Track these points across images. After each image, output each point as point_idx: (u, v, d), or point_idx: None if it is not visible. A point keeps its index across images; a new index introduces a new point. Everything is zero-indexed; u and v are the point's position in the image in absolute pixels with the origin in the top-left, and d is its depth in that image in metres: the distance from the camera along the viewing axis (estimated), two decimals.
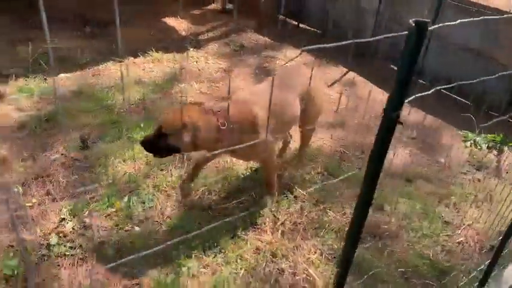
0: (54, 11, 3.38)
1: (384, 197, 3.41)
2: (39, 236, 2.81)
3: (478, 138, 4.31)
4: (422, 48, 1.11)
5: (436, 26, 1.16)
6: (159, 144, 2.58)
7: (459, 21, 1.34)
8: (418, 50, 1.08)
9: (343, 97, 5.20)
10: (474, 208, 3.43)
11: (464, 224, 3.25)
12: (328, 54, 5.99)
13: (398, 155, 4.11)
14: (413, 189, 3.60)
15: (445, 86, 1.64)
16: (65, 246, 2.76)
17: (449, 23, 1.26)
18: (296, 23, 7.24)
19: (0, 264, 2.52)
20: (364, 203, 1.52)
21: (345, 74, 5.67)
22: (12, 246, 2.71)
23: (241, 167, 3.62)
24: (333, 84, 5.45)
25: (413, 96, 1.39)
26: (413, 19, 1.02)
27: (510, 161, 4.07)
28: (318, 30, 6.94)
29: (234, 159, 3.55)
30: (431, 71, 5.38)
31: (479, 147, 4.25)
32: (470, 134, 4.40)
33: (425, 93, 1.47)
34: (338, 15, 6.52)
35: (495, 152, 4.20)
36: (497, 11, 4.74)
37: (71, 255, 2.71)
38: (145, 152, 2.74)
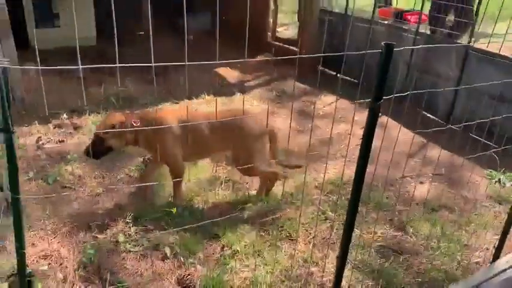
0: (122, 59, 4.08)
1: (407, 221, 3.77)
2: (110, 235, 3.38)
3: (502, 177, 4.60)
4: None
5: (401, 48, 1.66)
6: (98, 148, 3.48)
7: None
8: (388, 62, 1.58)
9: (378, 137, 5.63)
10: (493, 235, 3.71)
11: (482, 248, 3.54)
12: (363, 99, 6.51)
13: (424, 188, 4.46)
14: (436, 216, 3.93)
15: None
16: (129, 244, 3.31)
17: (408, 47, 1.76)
18: (334, 73, 7.86)
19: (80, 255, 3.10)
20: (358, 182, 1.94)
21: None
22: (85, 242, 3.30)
23: (279, 192, 4.11)
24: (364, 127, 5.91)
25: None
26: (384, 42, 1.53)
27: None
28: (354, 80, 7.51)
29: None
30: (462, 116, 5.76)
31: (503, 185, 4.53)
32: (494, 173, 4.69)
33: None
34: (373, 66, 7.08)
35: None
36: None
37: (135, 251, 3.25)
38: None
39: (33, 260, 3.07)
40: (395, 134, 5.61)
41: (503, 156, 4.67)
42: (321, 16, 7.78)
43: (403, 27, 6.87)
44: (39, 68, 1.55)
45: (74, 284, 2.90)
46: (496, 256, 3.00)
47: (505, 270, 2.35)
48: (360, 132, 5.66)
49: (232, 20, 7.52)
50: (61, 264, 3.06)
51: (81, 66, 1.62)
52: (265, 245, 3.39)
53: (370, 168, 4.83)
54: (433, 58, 6.11)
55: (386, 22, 7.17)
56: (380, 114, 6.13)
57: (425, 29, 6.85)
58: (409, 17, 10.28)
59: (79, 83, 6.54)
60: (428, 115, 6.28)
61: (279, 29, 10.38)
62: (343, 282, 2.94)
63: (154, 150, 3.62)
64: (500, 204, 4.24)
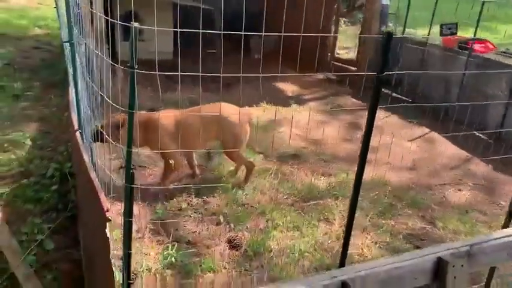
0: (192, 71, 4.80)
1: (438, 217, 4.12)
2: (176, 203, 4.06)
3: None
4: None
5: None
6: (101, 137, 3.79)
7: None
8: (388, 47, 2.06)
9: (419, 150, 5.96)
10: None
11: None
12: (415, 117, 6.82)
13: (462, 195, 4.76)
14: (467, 217, 4.23)
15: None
16: (190, 211, 3.97)
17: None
18: (389, 91, 8.24)
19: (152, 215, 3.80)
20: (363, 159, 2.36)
21: (425, 134, 6.46)
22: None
23: (323, 185, 4.61)
24: (414, 139, 6.26)
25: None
26: (384, 29, 2.04)
27: None
28: (407, 98, 7.85)
29: None
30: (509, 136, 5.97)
31: None
32: None
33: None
34: (427, 86, 7.41)
35: None
36: None
37: (194, 216, 3.89)
38: None
39: (115, 215, 3.80)
40: (442, 149, 5.96)
41: None
42: (379, 39, 8.24)
43: (457, 50, 7.15)
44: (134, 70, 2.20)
45: (144, 234, 3.58)
46: None
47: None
48: (406, 144, 6.05)
49: (296, 41, 8.24)
50: (137, 219, 3.76)
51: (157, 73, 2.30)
52: (305, 223, 3.90)
53: (412, 174, 5.23)
54: (485, 80, 6.35)
55: (438, 44, 7.47)
56: (429, 130, 6.50)
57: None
58: (474, 45, 10.44)
59: (154, 90, 7.50)
60: (479, 134, 6.49)
61: (340, 52, 10.95)
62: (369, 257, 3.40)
63: (155, 145, 4.17)
64: None
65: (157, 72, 2.45)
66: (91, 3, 6.25)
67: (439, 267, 2.07)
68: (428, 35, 7.56)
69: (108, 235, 1.95)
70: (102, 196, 2.15)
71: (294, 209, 4.13)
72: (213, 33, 9.90)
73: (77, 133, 3.01)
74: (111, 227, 3.54)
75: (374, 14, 8.13)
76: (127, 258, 2.15)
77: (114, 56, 9.43)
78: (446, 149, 6.00)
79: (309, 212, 4.10)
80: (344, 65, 9.46)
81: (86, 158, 2.58)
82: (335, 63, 9.74)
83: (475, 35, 7.55)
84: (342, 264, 2.42)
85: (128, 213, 2.11)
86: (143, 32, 10.37)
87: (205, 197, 4.19)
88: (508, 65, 6.15)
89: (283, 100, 7.62)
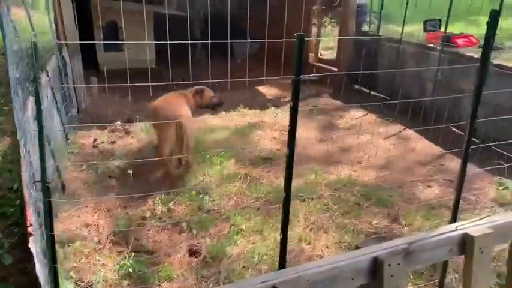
0: (174, 79, 4.88)
1: (403, 214, 4.11)
2: (140, 212, 4.07)
3: (509, 185, 4.77)
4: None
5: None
6: None
7: None
8: (301, 51, 2.07)
9: (393, 148, 5.95)
10: None
11: None
12: (392, 115, 6.81)
13: (431, 191, 4.75)
14: (432, 213, 4.23)
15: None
16: (154, 219, 3.97)
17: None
18: (368, 90, 8.25)
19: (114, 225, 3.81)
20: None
21: (400, 131, 6.46)
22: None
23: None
24: (388, 137, 6.26)
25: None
26: (297, 33, 2.05)
27: None
28: (386, 96, 7.85)
29: None
30: (483, 132, 5.96)
31: (511, 191, 4.70)
32: (505, 180, 4.87)
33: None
34: (403, 84, 7.41)
35: None
36: None
37: (157, 225, 3.90)
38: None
39: (77, 227, 3.82)
40: (416, 146, 5.94)
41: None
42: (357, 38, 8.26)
43: (431, 46, 7.15)
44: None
45: (104, 246, 3.58)
46: None
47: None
48: (381, 142, 6.05)
49: (278, 44, 8.31)
50: (98, 231, 3.77)
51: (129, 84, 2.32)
52: (268, 227, 3.90)
53: (384, 173, 5.22)
54: (458, 75, 6.34)
55: (413, 42, 7.48)
56: (404, 127, 6.49)
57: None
58: (457, 40, 10.46)
59: (134, 98, 7.51)
60: (454, 129, 6.49)
61: (325, 52, 10.97)
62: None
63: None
64: (502, 206, 4.43)
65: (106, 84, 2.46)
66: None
67: (376, 266, 2.07)
68: (402, 33, 7.55)
69: (31, 249, 1.95)
70: (28, 211, 2.16)
71: (259, 213, 4.13)
72: (194, 39, 9.95)
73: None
74: (68, 240, 3.57)
75: (349, 14, 8.15)
76: (52, 271, 2.15)
77: (95, 67, 9.49)
78: (421, 146, 6.00)
79: (274, 215, 4.10)
80: (326, 66, 9.47)
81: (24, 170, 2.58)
82: (317, 64, 9.76)
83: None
84: (281, 266, 2.41)
85: (49, 227, 2.10)
86: (124, 41, 10.41)
87: (170, 205, 4.19)
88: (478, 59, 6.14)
89: (262, 103, 7.64)
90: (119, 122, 6.45)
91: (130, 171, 4.56)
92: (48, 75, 4.98)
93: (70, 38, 6.51)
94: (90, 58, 9.07)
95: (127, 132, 6.20)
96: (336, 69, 8.94)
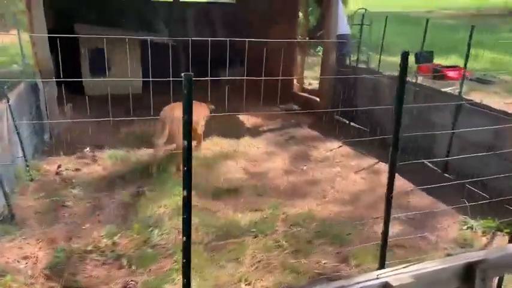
0: (158, 105, 4.88)
1: (355, 254, 3.97)
2: (83, 245, 3.96)
3: (475, 224, 4.62)
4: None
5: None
6: None
7: None
8: (191, 90, 1.99)
9: (363, 181, 5.83)
10: None
11: None
12: (368, 148, 6.70)
13: (392, 229, 4.60)
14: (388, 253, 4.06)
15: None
16: (96, 253, 3.86)
17: None
18: (348, 121, 8.18)
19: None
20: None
21: (373, 165, 6.34)
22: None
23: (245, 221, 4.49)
24: (359, 171, 6.15)
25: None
26: (183, 73, 1.98)
27: (499, 244, 4.30)
28: (365, 128, 7.77)
29: None
30: (456, 166, 5.86)
31: (474, 231, 4.54)
32: (469, 220, 4.72)
33: None
34: (380, 116, 7.34)
35: (489, 237, 4.46)
36: (506, 114, 5.22)
37: (98, 260, 3.78)
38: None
39: (15, 260, 3.71)
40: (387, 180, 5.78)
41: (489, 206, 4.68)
42: (338, 69, 8.24)
43: (409, 80, 7.07)
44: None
45: (38, 281, 3.46)
46: None
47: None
48: (351, 176, 5.93)
49: (263, 72, 8.51)
50: (35, 264, 3.66)
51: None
52: (212, 264, 3.77)
53: (349, 208, 5.09)
54: (432, 110, 6.26)
55: (390, 75, 7.43)
56: (378, 161, 6.37)
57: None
58: (448, 72, 10.47)
59: (113, 124, 7.46)
60: (430, 165, 6.37)
61: (313, 82, 10.98)
62: None
63: None
64: (462, 247, 4.27)
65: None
66: None
67: None
68: (379, 66, 7.53)
69: None
70: None
71: (204, 248, 4.00)
72: (179, 66, 10.01)
73: None
74: (1, 272, 3.45)
75: (330, 44, 8.16)
76: None
77: (81, 91, 9.51)
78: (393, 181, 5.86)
79: (221, 251, 3.97)
80: (309, 96, 9.46)
81: None
82: (301, 94, 9.76)
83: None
84: None
85: None
86: (111, 69, 10.51)
87: (116, 238, 4.08)
88: (451, 95, 6.10)
89: (238, 132, 7.56)
90: (88, 149, 6.40)
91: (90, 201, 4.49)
92: (8, 102, 4.95)
93: (43, 63, 6.53)
94: (76, 83, 9.11)
95: (94, 160, 6.13)
96: (318, 99, 8.92)
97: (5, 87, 5.04)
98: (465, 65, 5.89)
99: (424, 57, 10.21)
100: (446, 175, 6.00)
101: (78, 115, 7.59)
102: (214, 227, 4.36)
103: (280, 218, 4.64)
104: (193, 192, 5.05)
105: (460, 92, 5.95)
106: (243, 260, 3.84)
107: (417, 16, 22.73)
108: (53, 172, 5.62)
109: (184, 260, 2.27)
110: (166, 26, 11.37)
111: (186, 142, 2.07)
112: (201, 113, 6.32)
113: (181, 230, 4.27)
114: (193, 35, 12.96)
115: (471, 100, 5.81)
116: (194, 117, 4.95)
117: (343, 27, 8.39)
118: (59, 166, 5.76)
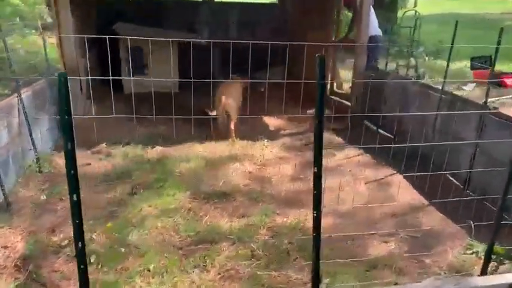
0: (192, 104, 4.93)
1: (332, 272, 3.70)
2: (60, 239, 4.04)
3: (480, 249, 4.14)
4: None
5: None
6: None
7: None
8: (67, 90, 1.90)
9: (370, 193, 5.46)
10: None
11: None
12: (387, 157, 6.28)
13: (386, 247, 4.27)
14: (366, 276, 3.76)
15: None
16: (69, 248, 3.91)
17: None
18: (375, 128, 7.75)
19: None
20: None
21: (388, 176, 5.93)
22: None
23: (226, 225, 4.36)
24: (371, 181, 5.77)
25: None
26: (59, 72, 1.88)
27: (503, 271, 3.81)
28: (390, 136, 7.31)
29: None
30: (479, 183, 5.33)
31: (478, 257, 4.07)
32: (476, 244, 4.25)
33: None
34: (407, 125, 6.86)
35: (494, 264, 3.97)
36: None
37: (68, 254, 3.82)
38: None
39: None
40: (398, 194, 5.41)
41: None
42: (368, 73, 7.85)
43: (435, 86, 6.54)
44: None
45: (7, 271, 3.57)
46: None
47: None
48: (359, 187, 5.58)
49: (299, 75, 8.44)
50: (9, 254, 3.78)
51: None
52: (178, 269, 3.68)
53: (347, 221, 4.79)
54: (457, 120, 5.74)
55: (419, 81, 6.92)
56: (395, 172, 5.93)
57: None
58: (506, 80, 9.56)
59: (138, 122, 7.61)
60: (452, 179, 5.86)
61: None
62: None
63: None
64: (457, 273, 3.84)
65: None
66: None
67: None
68: (408, 70, 7.06)
69: None
70: None
71: (179, 253, 3.93)
72: (214, 68, 10.06)
73: None
74: None
75: (359, 48, 7.78)
76: None
77: (120, 89, 9.84)
78: (404, 195, 5.45)
79: (193, 256, 3.87)
80: (341, 100, 9.11)
81: None
82: (333, 97, 9.42)
83: None
84: None
85: None
86: (148, 67, 10.79)
87: (94, 235, 4.13)
88: (476, 104, 5.54)
89: (257, 134, 7.40)
90: (104, 144, 6.59)
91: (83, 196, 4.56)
92: (19, 97, 5.20)
93: (68, 62, 6.81)
94: (115, 81, 9.44)
95: (108, 155, 6.29)
96: (349, 103, 8.57)
97: (19, 83, 5.30)
98: None
99: (482, 62, 9.47)
100: (469, 192, 5.46)
101: (106, 112, 7.85)
102: (194, 230, 4.27)
103: (266, 227, 4.45)
104: (187, 194, 5.10)
105: (485, 101, 5.36)
106: (211, 268, 3.71)
107: (492, 19, 21.27)
108: (63, 165, 5.81)
109: (82, 266, 2.18)
110: (206, 26, 11.45)
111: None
112: (231, 92, 7.37)
113: (161, 230, 4.28)
114: (235, 35, 13.08)
115: (497, 111, 5.21)
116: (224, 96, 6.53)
117: (373, 29, 7.99)
118: None
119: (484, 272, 3.39)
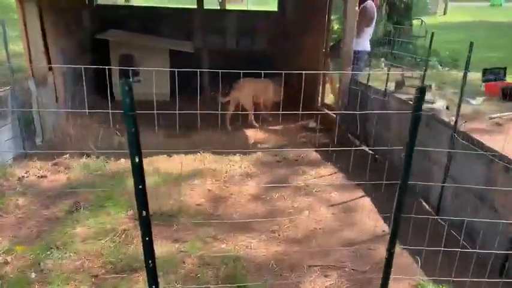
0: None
1: None
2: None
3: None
4: None
5: None
6: None
7: None
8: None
9: (331, 218, 5.05)
10: None
11: None
12: (364, 176, 5.83)
13: (322, 283, 3.88)
14: None
15: None
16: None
17: None
18: (358, 143, 7.31)
19: None
20: None
21: (356, 199, 5.51)
22: None
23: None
24: (333, 205, 5.36)
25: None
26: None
27: None
28: (372, 153, 6.85)
29: None
30: (447, 211, 4.87)
31: None
32: (428, 284, 3.79)
33: None
34: (389, 141, 6.40)
35: None
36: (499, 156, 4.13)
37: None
38: None
39: None
40: (361, 220, 4.97)
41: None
42: (352, 87, 7.44)
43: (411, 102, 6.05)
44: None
45: None
46: None
47: None
48: (321, 210, 5.16)
49: (289, 87, 8.79)
50: None
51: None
52: None
53: (292, 249, 4.42)
54: (429, 140, 5.26)
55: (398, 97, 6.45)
56: (363, 195, 5.57)
57: None
58: None
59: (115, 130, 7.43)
60: (424, 204, 5.40)
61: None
62: None
63: None
64: None
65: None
66: None
67: None
68: (386, 85, 6.60)
69: None
70: None
71: (92, 281, 3.66)
72: (206, 77, 9.84)
73: None
74: None
75: (345, 60, 7.36)
76: None
77: (111, 96, 9.74)
78: (366, 221, 5.02)
79: (104, 285, 3.59)
80: (328, 112, 8.67)
81: None
82: (321, 109, 9.00)
83: None
84: None
85: None
86: (140, 74, 10.67)
87: (9, 258, 3.91)
88: (447, 123, 5.05)
89: (231, 148, 7.08)
90: (67, 156, 6.42)
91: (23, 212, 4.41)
92: None
93: (36, 68, 6.70)
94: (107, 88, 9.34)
95: (67, 168, 6.11)
96: (334, 115, 8.15)
97: None
98: None
99: (494, 74, 8.88)
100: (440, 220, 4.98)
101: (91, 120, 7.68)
102: (117, 257, 3.99)
103: (196, 255, 4.12)
104: (129, 214, 4.83)
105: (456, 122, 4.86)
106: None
107: None
108: (17, 177, 5.68)
109: None
110: (204, 34, 11.18)
111: None
112: (248, 90, 8.37)
113: (83, 254, 4.02)
114: (233, 43, 12.85)
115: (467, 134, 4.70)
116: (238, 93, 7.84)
117: (363, 44, 7.66)
118: (27, 172, 5.81)
119: None
